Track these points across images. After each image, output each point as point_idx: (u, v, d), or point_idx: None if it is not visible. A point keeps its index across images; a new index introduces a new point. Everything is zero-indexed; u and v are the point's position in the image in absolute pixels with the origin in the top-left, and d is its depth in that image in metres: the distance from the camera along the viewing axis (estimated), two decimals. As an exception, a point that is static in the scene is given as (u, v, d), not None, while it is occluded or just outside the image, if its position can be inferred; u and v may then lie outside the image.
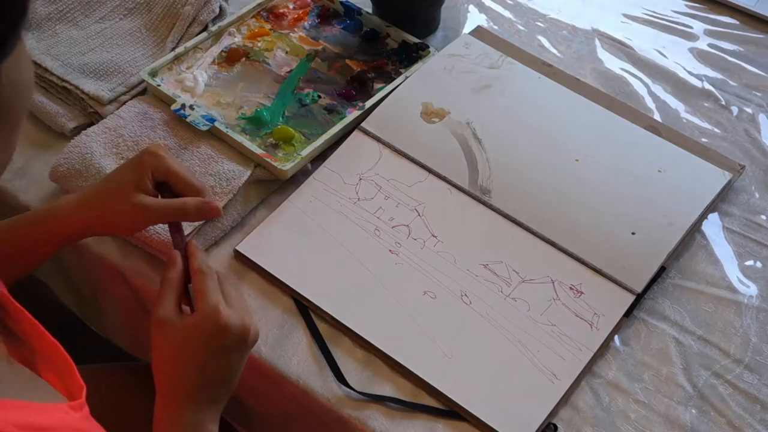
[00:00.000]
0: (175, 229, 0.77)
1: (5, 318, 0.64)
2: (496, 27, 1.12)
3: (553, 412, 0.77)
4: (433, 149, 0.94)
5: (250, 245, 0.87)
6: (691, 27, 1.14)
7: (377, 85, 1.00)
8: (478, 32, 1.08)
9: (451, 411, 0.77)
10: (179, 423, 0.69)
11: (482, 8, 1.15)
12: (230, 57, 1.02)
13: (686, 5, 1.17)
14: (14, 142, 0.46)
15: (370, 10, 1.08)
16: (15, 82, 0.43)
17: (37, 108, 0.96)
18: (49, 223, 0.77)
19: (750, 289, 0.87)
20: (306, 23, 1.07)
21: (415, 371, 0.78)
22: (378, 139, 0.95)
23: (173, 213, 0.76)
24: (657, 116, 1.02)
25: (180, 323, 0.69)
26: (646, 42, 1.11)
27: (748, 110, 1.03)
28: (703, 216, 0.91)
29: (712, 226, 0.92)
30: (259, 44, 1.04)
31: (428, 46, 1.03)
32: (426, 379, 0.78)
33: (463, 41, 1.05)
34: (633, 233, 0.87)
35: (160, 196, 0.77)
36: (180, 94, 0.96)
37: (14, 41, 0.42)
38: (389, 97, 0.98)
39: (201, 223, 0.85)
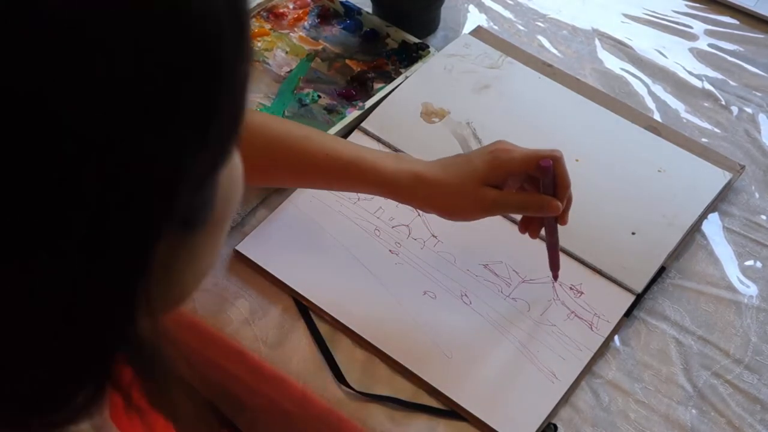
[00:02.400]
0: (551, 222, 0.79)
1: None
2: (496, 27, 1.12)
3: (553, 412, 0.77)
4: (433, 149, 0.94)
5: (250, 245, 0.87)
6: (691, 27, 1.14)
7: (377, 85, 1.00)
8: (478, 32, 1.08)
9: (451, 411, 0.77)
10: None
11: (482, 8, 1.15)
12: (230, 57, 1.02)
13: (686, 5, 1.17)
14: (219, 247, 0.44)
15: (370, 10, 1.08)
16: (230, 182, 0.41)
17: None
18: (370, 175, 0.78)
19: (750, 289, 0.87)
20: (306, 23, 1.07)
21: (415, 371, 0.78)
22: (378, 139, 0.95)
23: (515, 206, 0.79)
24: (657, 116, 1.02)
25: None
26: (646, 42, 1.11)
27: (748, 110, 1.03)
28: (703, 216, 0.91)
29: (712, 226, 0.92)
30: (259, 44, 1.04)
31: (428, 46, 1.03)
32: (426, 379, 0.78)
33: (463, 41, 1.05)
34: (633, 233, 0.87)
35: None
36: (180, 94, 0.96)
37: (232, 151, 0.39)
38: (389, 97, 0.98)
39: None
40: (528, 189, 0.79)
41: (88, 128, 0.30)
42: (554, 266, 0.84)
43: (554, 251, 0.83)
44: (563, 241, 0.87)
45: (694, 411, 0.78)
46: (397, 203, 0.90)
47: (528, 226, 0.81)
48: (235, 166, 0.41)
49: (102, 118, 0.30)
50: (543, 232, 0.81)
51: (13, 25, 0.28)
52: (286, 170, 0.82)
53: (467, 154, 0.80)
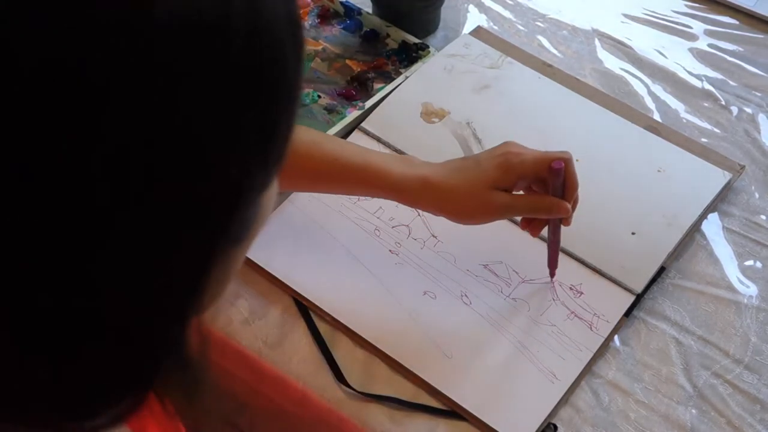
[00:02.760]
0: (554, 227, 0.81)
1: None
2: (496, 27, 1.12)
3: (553, 412, 0.77)
4: (433, 149, 0.94)
5: (250, 245, 0.87)
6: (690, 27, 1.14)
7: (377, 85, 1.00)
8: (478, 32, 1.08)
9: (451, 411, 0.77)
10: None
11: (482, 8, 1.15)
12: (230, 57, 1.02)
13: (686, 5, 1.17)
14: (244, 257, 0.45)
15: (370, 10, 1.08)
16: (267, 205, 0.41)
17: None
18: (378, 180, 0.78)
19: (750, 289, 0.87)
20: (306, 23, 1.07)
21: (415, 371, 0.78)
22: (378, 139, 0.95)
23: (525, 209, 0.79)
24: (657, 116, 1.02)
25: None
26: (646, 42, 1.11)
27: (748, 110, 1.03)
28: (703, 216, 0.91)
29: (712, 226, 0.92)
30: (259, 44, 1.04)
31: (428, 46, 1.03)
32: (426, 379, 0.78)
33: (463, 41, 1.05)
34: (633, 233, 0.88)
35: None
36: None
37: (277, 172, 0.40)
38: (389, 97, 0.98)
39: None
40: (536, 190, 0.79)
41: (165, 148, 0.31)
42: (553, 265, 0.84)
43: (554, 250, 0.83)
44: (563, 241, 0.87)
45: (694, 411, 0.78)
46: (397, 203, 0.90)
47: (530, 224, 0.81)
48: (274, 183, 0.42)
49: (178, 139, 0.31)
50: (544, 230, 0.81)
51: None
52: (295, 176, 0.82)
53: (475, 156, 0.80)
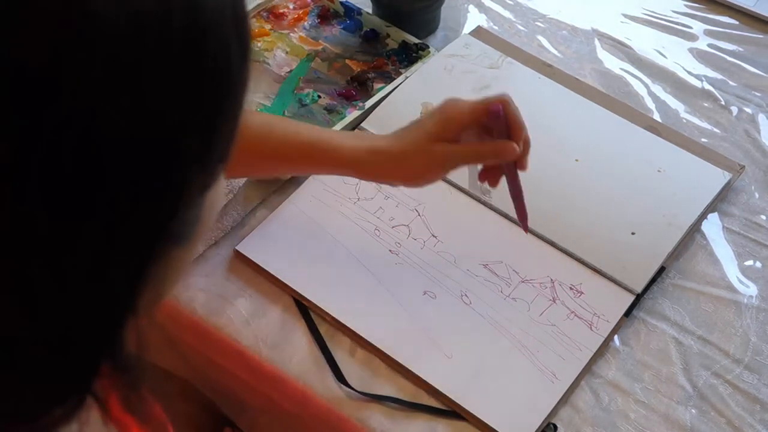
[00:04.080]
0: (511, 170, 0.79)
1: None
2: (496, 27, 1.12)
3: (553, 412, 0.77)
4: (433, 149, 0.94)
5: (250, 245, 0.87)
6: (690, 27, 1.14)
7: (377, 85, 1.00)
8: (478, 32, 1.08)
9: (451, 411, 0.77)
10: None
11: (482, 8, 1.15)
12: (230, 57, 1.02)
13: (686, 5, 1.17)
14: (194, 253, 0.45)
15: (370, 10, 1.08)
16: (213, 199, 0.41)
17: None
18: (331, 155, 0.78)
19: (750, 289, 0.87)
20: (306, 23, 1.07)
21: (415, 371, 0.79)
22: (378, 139, 0.95)
23: (471, 156, 0.77)
24: (657, 116, 1.02)
25: None
26: (646, 42, 1.11)
27: (748, 110, 1.03)
28: (703, 216, 0.91)
29: (712, 226, 0.92)
30: (259, 44, 1.04)
31: (428, 46, 1.03)
32: (426, 379, 0.78)
33: (463, 41, 1.05)
34: (633, 233, 0.88)
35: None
36: (180, 94, 0.96)
37: (221, 172, 0.40)
38: (389, 97, 0.98)
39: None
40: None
41: (100, 145, 0.31)
42: (522, 216, 0.82)
43: (519, 201, 0.81)
44: (563, 240, 0.87)
45: (694, 411, 0.78)
46: (397, 203, 0.90)
47: (487, 175, 0.80)
48: (220, 182, 0.42)
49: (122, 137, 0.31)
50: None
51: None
52: (247, 161, 0.81)
53: (418, 118, 0.80)
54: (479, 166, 0.81)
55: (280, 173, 0.88)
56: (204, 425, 0.97)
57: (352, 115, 0.96)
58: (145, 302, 0.37)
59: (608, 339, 0.82)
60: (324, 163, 0.80)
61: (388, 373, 0.79)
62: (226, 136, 0.37)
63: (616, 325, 0.82)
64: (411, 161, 0.77)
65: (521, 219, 0.82)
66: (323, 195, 0.90)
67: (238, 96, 0.37)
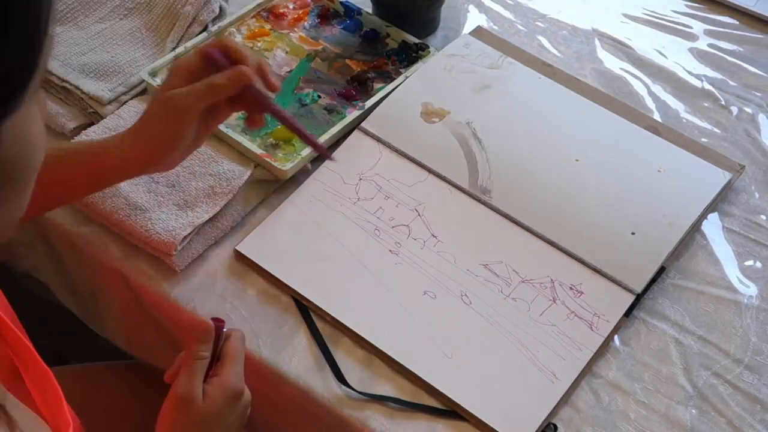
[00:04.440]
0: (254, 100, 0.73)
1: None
2: (496, 27, 1.12)
3: (553, 412, 0.77)
4: (433, 149, 0.94)
5: (250, 245, 0.87)
6: (690, 27, 1.14)
7: (377, 85, 1.00)
8: (478, 32, 1.08)
9: (451, 411, 0.77)
10: None
11: (482, 8, 1.15)
12: (230, 57, 1.02)
13: (686, 5, 1.17)
14: (24, 200, 0.44)
15: (370, 10, 1.08)
16: (19, 142, 0.41)
17: (37, 108, 0.96)
18: (106, 159, 0.75)
19: (750, 289, 0.87)
20: (306, 23, 1.07)
21: (415, 371, 0.78)
22: (378, 139, 0.95)
23: (204, 90, 0.71)
24: (657, 116, 1.02)
25: (205, 400, 0.69)
26: (646, 42, 1.11)
27: (748, 110, 1.03)
28: (703, 216, 0.91)
29: (712, 226, 0.92)
30: (259, 44, 1.04)
31: (428, 46, 1.03)
32: (426, 379, 0.78)
33: (463, 41, 1.05)
34: (633, 233, 0.88)
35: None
36: (180, 94, 0.96)
37: (18, 101, 0.39)
38: (389, 97, 0.98)
39: (201, 222, 0.85)
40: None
41: None
42: (309, 141, 0.78)
43: (293, 127, 0.76)
44: (563, 240, 0.87)
45: (694, 411, 0.78)
46: (397, 203, 0.90)
47: (250, 121, 0.76)
48: (29, 123, 0.41)
49: None
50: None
51: None
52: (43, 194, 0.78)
53: None
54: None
55: (72, 196, 0.82)
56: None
57: (352, 115, 0.96)
58: None
59: (608, 339, 0.82)
60: (106, 170, 0.76)
61: (388, 373, 0.79)
62: (16, 57, 0.36)
63: (616, 325, 0.82)
64: (152, 121, 0.73)
65: (312, 145, 0.79)
66: (323, 195, 0.90)
67: (28, 10, 0.36)
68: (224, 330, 0.72)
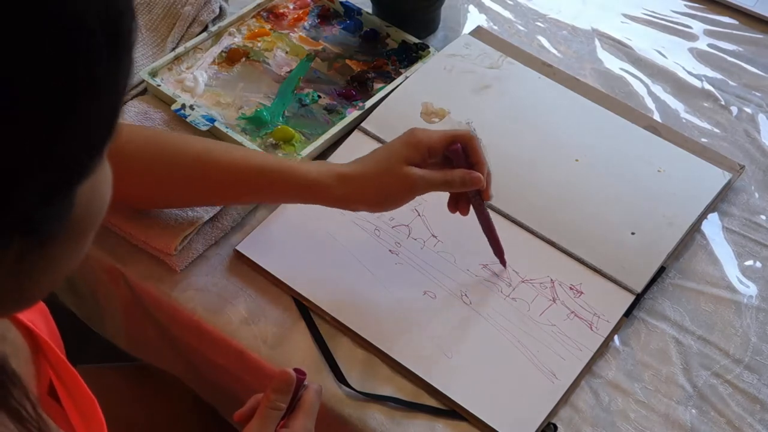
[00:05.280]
0: (478, 203, 0.81)
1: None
2: (496, 27, 1.12)
3: (553, 412, 0.77)
4: (433, 149, 0.94)
5: (250, 245, 0.87)
6: (690, 27, 1.14)
7: (377, 85, 1.00)
8: (478, 32, 1.08)
9: (451, 411, 0.77)
10: None
11: (482, 8, 1.15)
12: (230, 57, 1.02)
13: (686, 5, 1.17)
14: (83, 250, 0.44)
15: (370, 10, 1.08)
16: (90, 202, 0.40)
17: (37, 108, 0.96)
18: (293, 180, 0.78)
19: (750, 289, 0.87)
20: (306, 23, 1.07)
21: (415, 371, 0.78)
22: (378, 139, 0.95)
23: (439, 182, 0.78)
24: (657, 116, 1.02)
25: None
26: (646, 42, 1.11)
27: (748, 110, 1.03)
28: (703, 216, 0.91)
29: (712, 226, 0.92)
30: (259, 44, 1.04)
31: (428, 46, 1.03)
32: (426, 379, 0.78)
33: (463, 41, 1.05)
34: (633, 233, 0.88)
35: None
36: (180, 94, 0.96)
37: (94, 166, 0.39)
38: (389, 97, 0.98)
39: (201, 222, 0.85)
40: None
41: None
42: (498, 251, 0.85)
43: (492, 234, 0.84)
44: (563, 240, 0.87)
45: (694, 411, 0.78)
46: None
47: (456, 205, 0.82)
48: (101, 180, 0.41)
49: None
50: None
51: None
52: (190, 185, 0.81)
53: (387, 143, 0.82)
54: None
55: (233, 201, 0.86)
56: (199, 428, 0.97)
57: (352, 115, 0.96)
58: (17, 296, 0.39)
59: (608, 339, 0.82)
60: (286, 189, 0.79)
61: (388, 373, 0.79)
62: (83, 125, 0.36)
63: (616, 325, 0.82)
64: (382, 181, 0.78)
65: (498, 254, 0.85)
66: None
67: (91, 80, 0.36)
68: (305, 383, 0.71)
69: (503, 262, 0.85)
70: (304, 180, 0.78)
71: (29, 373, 0.59)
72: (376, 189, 0.78)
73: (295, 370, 0.71)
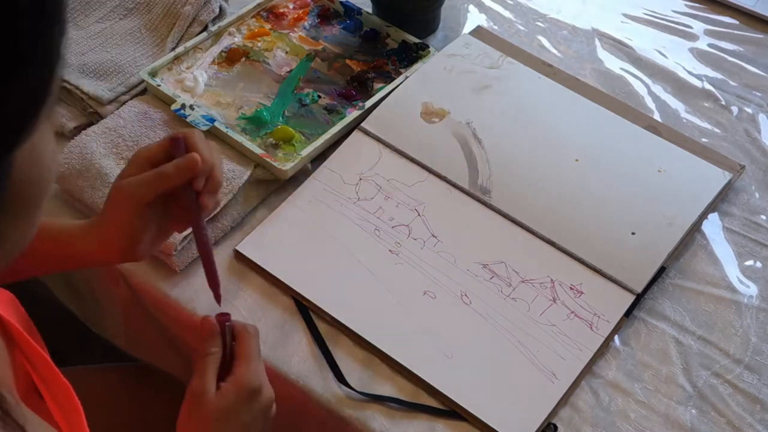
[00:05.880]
0: (186, 203, 0.72)
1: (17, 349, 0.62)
2: (496, 27, 1.12)
3: (553, 412, 0.77)
4: (433, 149, 0.94)
5: (250, 245, 0.87)
6: (691, 27, 1.14)
7: (377, 85, 1.00)
8: (478, 32, 1.08)
9: (451, 411, 0.77)
10: None
11: (482, 8, 1.15)
12: (230, 57, 1.02)
13: (686, 5, 1.17)
14: (35, 220, 0.43)
15: (370, 10, 1.08)
16: (33, 164, 0.41)
17: (36, 108, 0.96)
18: (69, 244, 0.74)
19: (750, 289, 0.87)
20: (306, 23, 1.07)
21: (415, 371, 0.78)
22: (378, 139, 0.95)
23: (154, 179, 0.70)
24: (657, 116, 1.02)
25: (220, 395, 0.68)
26: (646, 42, 1.11)
27: (748, 110, 1.03)
28: (703, 216, 0.91)
29: (712, 226, 0.92)
30: (259, 44, 1.04)
31: (428, 46, 1.03)
32: (426, 379, 0.78)
33: (463, 41, 1.05)
34: (633, 233, 0.87)
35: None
36: (180, 94, 0.96)
37: (29, 130, 0.39)
38: (389, 97, 0.98)
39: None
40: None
41: None
42: (212, 281, 0.74)
43: (206, 256, 0.74)
44: (563, 240, 0.87)
45: (694, 411, 0.78)
46: (397, 203, 0.90)
47: (174, 224, 0.75)
48: (41, 149, 0.41)
49: None
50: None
51: None
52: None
53: None
54: None
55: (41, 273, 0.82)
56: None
57: (352, 115, 0.96)
58: None
59: (608, 339, 0.82)
60: (66, 256, 0.75)
61: (388, 373, 0.79)
62: (16, 90, 0.37)
63: (617, 325, 0.82)
64: (108, 211, 0.72)
65: (211, 285, 0.74)
66: (323, 195, 0.90)
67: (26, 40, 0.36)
68: (229, 323, 0.70)
69: (217, 297, 0.74)
70: (65, 243, 0.73)
71: (5, 366, 0.59)
72: (105, 217, 0.72)
73: (218, 315, 0.70)
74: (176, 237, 0.83)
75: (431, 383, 0.78)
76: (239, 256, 0.86)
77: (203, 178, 0.71)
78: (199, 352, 0.69)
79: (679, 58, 1.09)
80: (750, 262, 0.89)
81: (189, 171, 0.70)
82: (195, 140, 0.72)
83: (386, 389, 0.78)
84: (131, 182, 0.70)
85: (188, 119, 0.92)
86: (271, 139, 0.94)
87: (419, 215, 0.89)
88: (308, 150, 0.91)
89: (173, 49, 1.01)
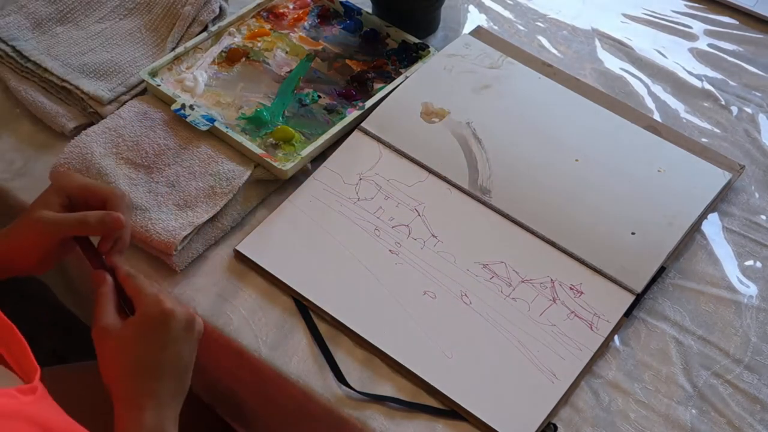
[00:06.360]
0: (86, 246, 0.75)
1: None
2: (496, 27, 1.12)
3: (553, 412, 0.77)
4: (433, 149, 0.94)
5: (250, 245, 0.87)
6: (690, 27, 1.14)
7: (377, 85, 1.00)
8: (478, 32, 1.08)
9: (451, 411, 0.77)
10: (143, 426, 0.67)
11: (482, 8, 1.15)
12: (230, 57, 1.02)
13: (686, 5, 1.17)
14: None
15: (370, 10, 1.08)
16: None
17: (37, 108, 0.96)
18: None
19: (750, 289, 0.87)
20: (306, 23, 1.07)
21: (415, 371, 0.79)
22: (378, 139, 0.95)
23: (74, 225, 0.72)
24: (657, 116, 1.02)
25: (124, 326, 0.69)
26: (646, 42, 1.11)
27: (748, 110, 1.03)
28: (703, 216, 0.91)
29: (712, 226, 0.92)
30: (259, 44, 1.04)
31: (428, 46, 1.03)
32: (426, 379, 0.78)
33: (463, 41, 1.05)
34: (633, 233, 0.88)
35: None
36: (180, 94, 0.96)
37: None
38: (389, 97, 0.98)
39: (201, 222, 0.85)
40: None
41: None
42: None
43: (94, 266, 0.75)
44: (563, 240, 0.87)
45: (694, 411, 0.78)
46: (397, 203, 0.90)
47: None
48: None
49: None
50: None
51: None
52: None
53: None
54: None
55: None
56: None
57: (352, 115, 0.96)
58: None
59: (608, 339, 0.82)
60: None
61: (388, 373, 0.79)
62: None
63: (616, 325, 0.82)
64: (15, 232, 0.73)
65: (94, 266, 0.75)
66: (323, 195, 0.90)
67: None
68: (85, 237, 0.72)
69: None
70: None
71: None
72: (13, 239, 0.73)
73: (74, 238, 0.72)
74: (176, 237, 0.83)
75: (431, 383, 0.78)
76: (239, 256, 0.86)
77: (113, 240, 0.74)
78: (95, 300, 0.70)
79: (678, 58, 1.09)
80: (750, 262, 0.89)
81: (110, 230, 0.73)
82: (119, 203, 0.74)
83: (386, 389, 0.78)
84: (49, 219, 0.72)
85: (188, 119, 0.92)
86: (271, 139, 0.94)
87: (419, 215, 0.89)
88: (308, 150, 0.91)
89: (173, 49, 1.01)
